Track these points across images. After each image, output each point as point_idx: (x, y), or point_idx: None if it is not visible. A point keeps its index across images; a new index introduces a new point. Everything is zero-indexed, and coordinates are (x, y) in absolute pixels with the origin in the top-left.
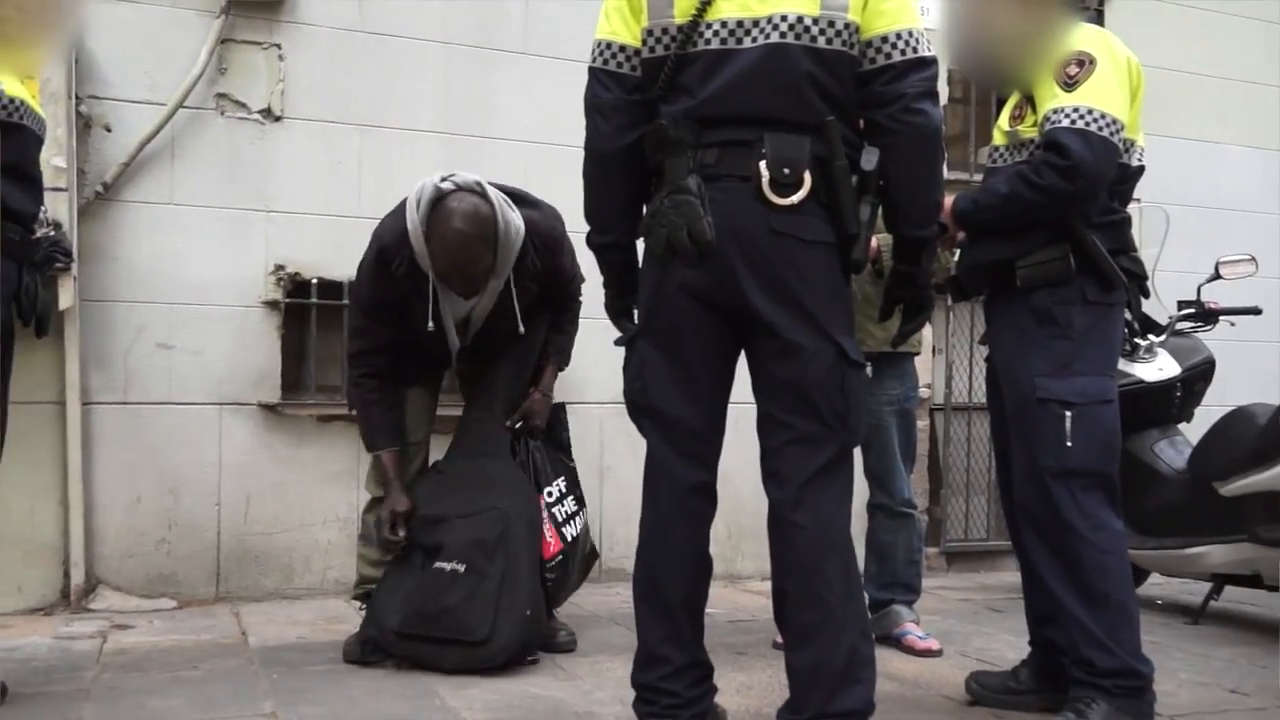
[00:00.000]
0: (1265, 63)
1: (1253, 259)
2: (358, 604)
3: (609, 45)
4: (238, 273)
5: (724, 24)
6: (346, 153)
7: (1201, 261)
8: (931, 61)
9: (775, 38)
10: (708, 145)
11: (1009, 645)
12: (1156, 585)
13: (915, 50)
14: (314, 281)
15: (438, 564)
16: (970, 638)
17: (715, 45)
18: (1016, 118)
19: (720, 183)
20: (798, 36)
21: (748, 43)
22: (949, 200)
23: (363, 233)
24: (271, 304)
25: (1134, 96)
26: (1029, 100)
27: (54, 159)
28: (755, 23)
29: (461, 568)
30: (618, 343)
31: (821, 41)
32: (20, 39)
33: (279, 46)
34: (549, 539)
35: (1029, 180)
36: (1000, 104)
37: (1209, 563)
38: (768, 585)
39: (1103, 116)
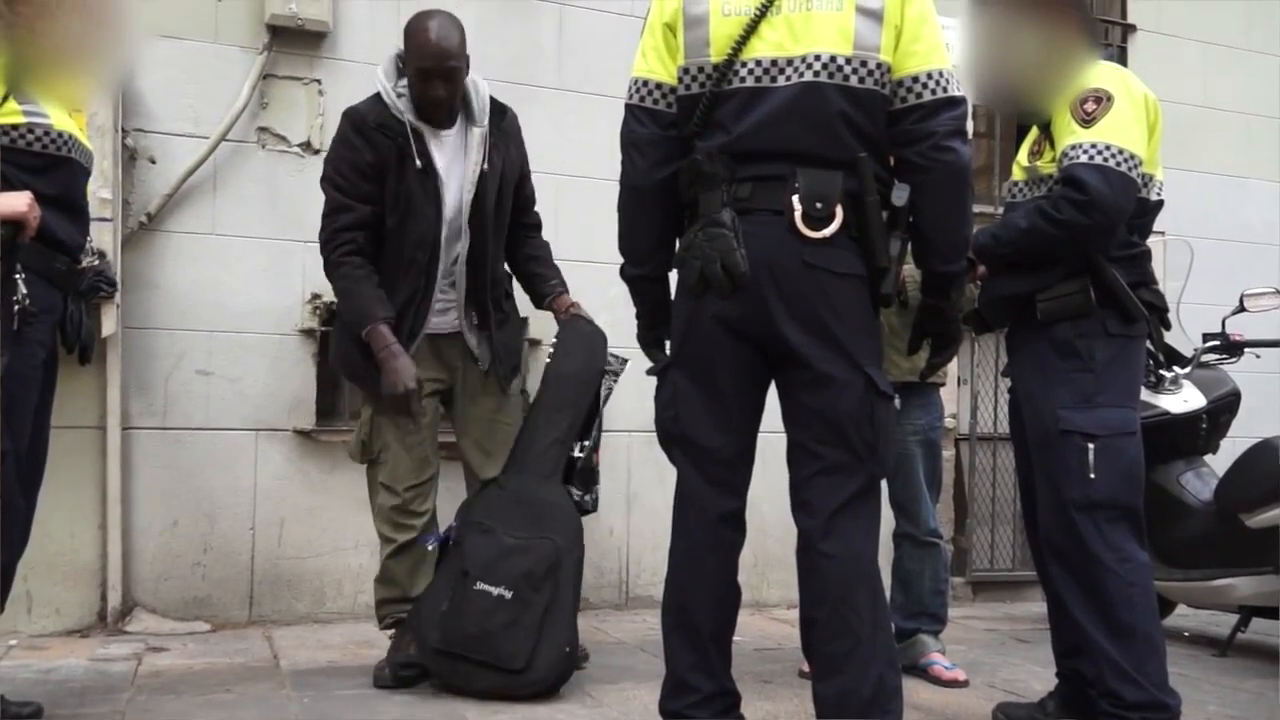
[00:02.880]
0: None
1: (1277, 291)
2: (388, 632)
3: (645, 83)
4: (275, 301)
5: (759, 63)
6: None
7: (1226, 294)
8: (961, 101)
9: (809, 76)
10: (741, 180)
11: (1036, 676)
12: (1183, 617)
13: (945, 90)
14: None
15: (484, 586)
16: (997, 668)
17: (750, 83)
18: (1035, 153)
19: (753, 216)
20: (831, 76)
21: (782, 81)
22: None
23: None
24: (307, 332)
25: (1152, 131)
26: (1047, 136)
27: (100, 190)
28: (789, 62)
29: (508, 594)
30: (649, 372)
31: (854, 80)
32: (74, 73)
33: (319, 81)
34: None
35: (1048, 215)
36: (1020, 139)
37: (1236, 595)
38: (794, 613)
39: (1120, 152)
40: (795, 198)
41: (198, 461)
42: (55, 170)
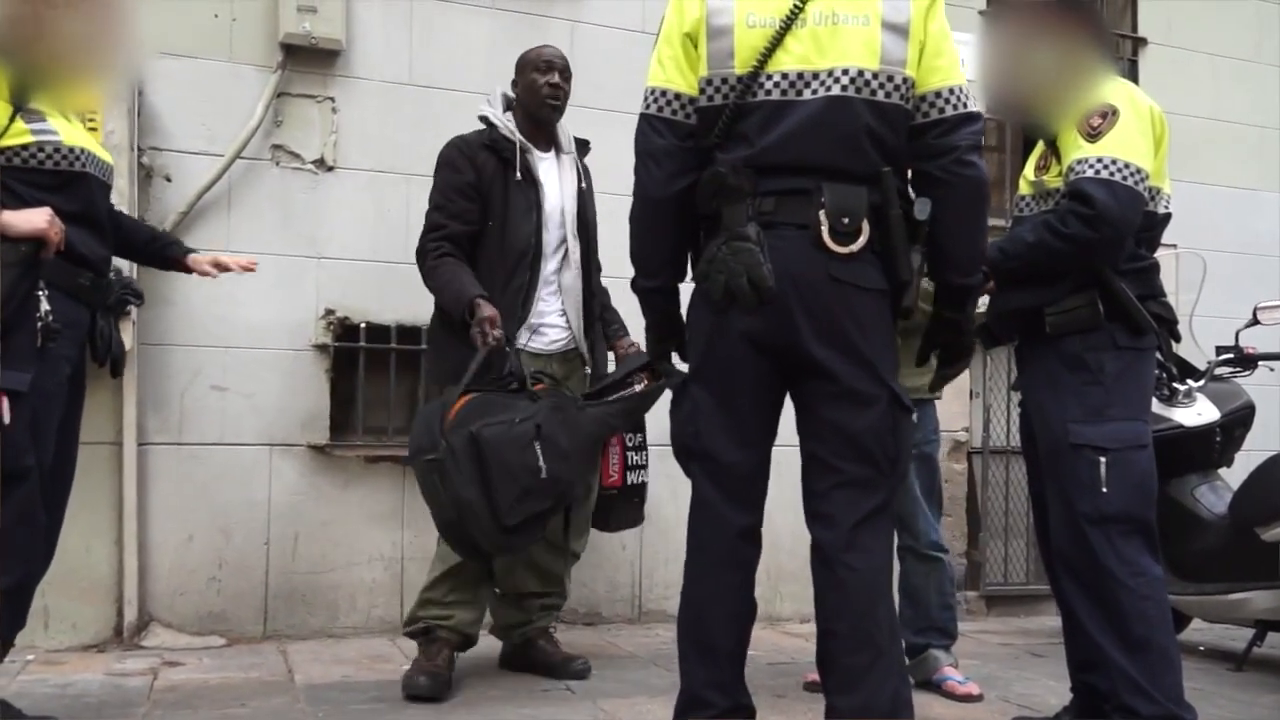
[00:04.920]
0: None
1: None
2: (416, 638)
3: (664, 93)
4: (289, 317)
5: (785, 75)
6: (395, 201)
7: (1239, 307)
8: (979, 116)
9: (836, 90)
10: (765, 193)
11: (1051, 690)
12: (1199, 631)
13: (965, 105)
14: (362, 326)
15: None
16: (1011, 683)
17: (775, 96)
18: (1042, 168)
19: (777, 230)
20: (858, 90)
21: (808, 94)
22: None
23: (410, 278)
24: (321, 347)
25: (1158, 145)
26: (1054, 151)
27: (116, 207)
28: (815, 75)
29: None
30: (668, 386)
31: (880, 95)
32: (78, 80)
33: (332, 99)
34: (614, 471)
35: (1055, 229)
36: (1026, 153)
37: (1252, 609)
38: (807, 627)
39: (1126, 166)
40: (822, 213)
41: (213, 476)
42: (72, 186)
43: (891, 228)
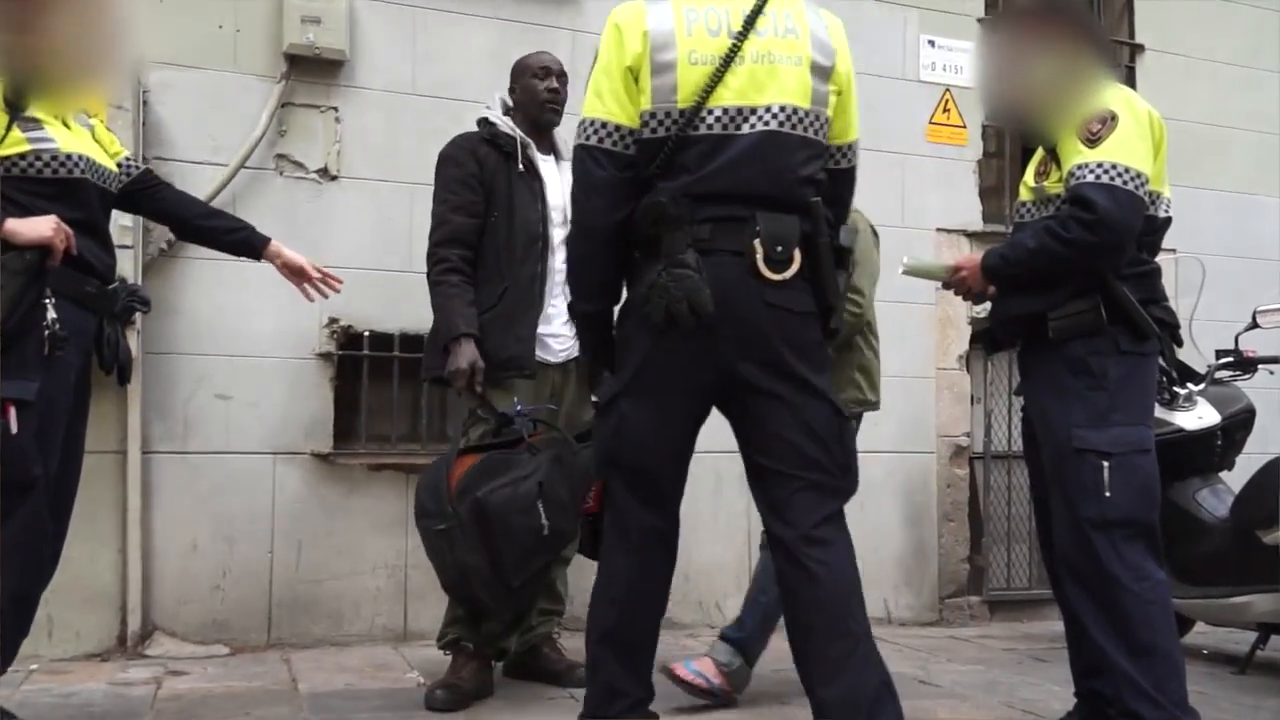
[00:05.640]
0: None
1: None
2: (444, 652)
3: (604, 125)
4: (293, 326)
5: (725, 110)
6: (398, 210)
7: (1239, 310)
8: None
9: (773, 125)
10: (702, 220)
11: (1055, 695)
12: (1202, 634)
13: (855, 160)
14: (366, 334)
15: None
16: (1015, 688)
17: (717, 130)
18: (1042, 174)
19: (714, 256)
20: (792, 126)
21: (745, 128)
22: (977, 255)
23: (413, 286)
24: (325, 356)
25: (1157, 150)
26: (1054, 157)
27: (120, 218)
28: (753, 110)
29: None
30: (597, 405)
31: (810, 132)
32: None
33: (336, 109)
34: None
35: (1056, 234)
36: (1026, 160)
37: (1254, 612)
38: None
39: (1127, 170)
40: (757, 240)
41: (217, 485)
42: (71, 194)
43: (821, 255)
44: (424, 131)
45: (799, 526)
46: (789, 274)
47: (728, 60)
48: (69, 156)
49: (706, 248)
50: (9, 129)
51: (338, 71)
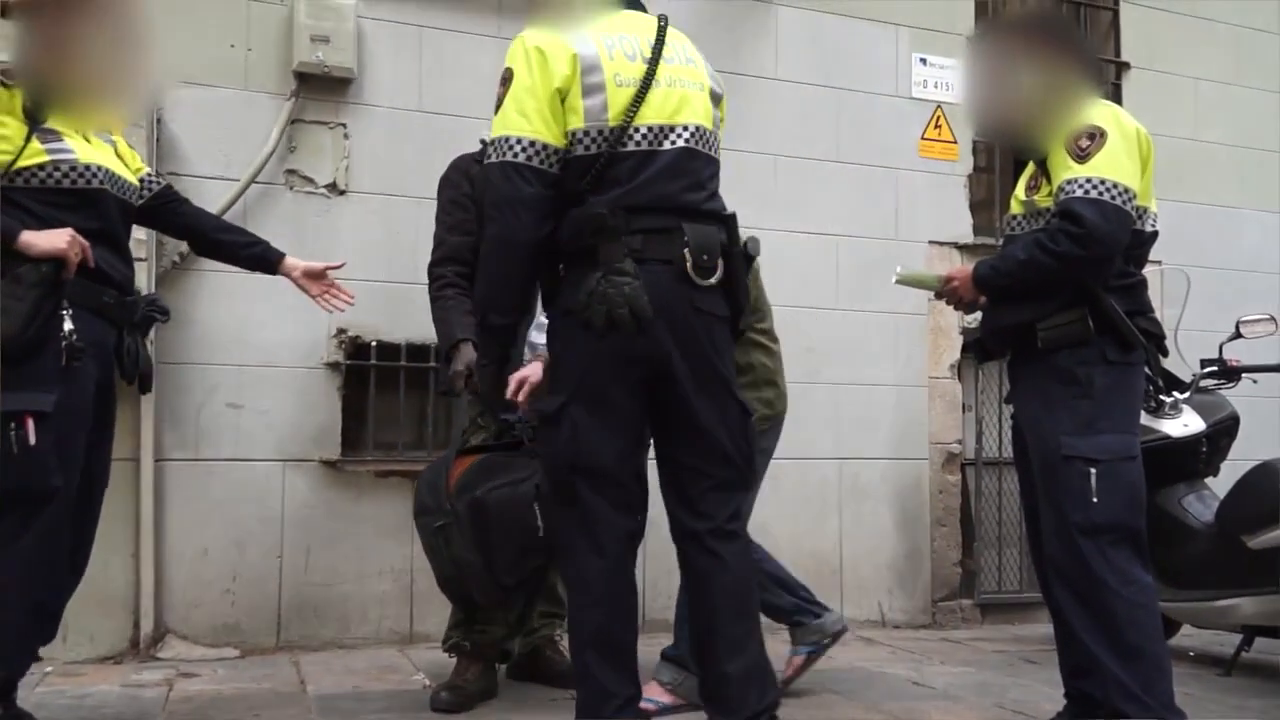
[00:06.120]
0: None
1: (1272, 318)
2: (448, 654)
3: (532, 143)
4: (302, 336)
5: (650, 128)
6: (404, 224)
7: (1222, 321)
8: None
9: (691, 143)
10: (634, 231)
11: (1045, 696)
12: (1188, 637)
13: None
14: (373, 344)
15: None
16: (1007, 689)
17: (644, 146)
18: (1032, 188)
19: (647, 265)
20: (700, 144)
21: (666, 145)
22: (969, 267)
23: (418, 298)
24: (333, 365)
25: (1144, 165)
26: (1044, 171)
27: (135, 231)
28: (671, 128)
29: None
30: (543, 414)
31: (712, 151)
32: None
33: (344, 126)
34: None
35: (1046, 247)
36: (1016, 174)
37: (1239, 614)
38: None
39: (1115, 186)
40: (686, 250)
41: (228, 491)
42: (90, 204)
43: (736, 263)
44: (429, 148)
45: (713, 519)
46: (714, 280)
47: (647, 82)
48: (87, 167)
49: (639, 257)
50: (29, 140)
51: (346, 89)
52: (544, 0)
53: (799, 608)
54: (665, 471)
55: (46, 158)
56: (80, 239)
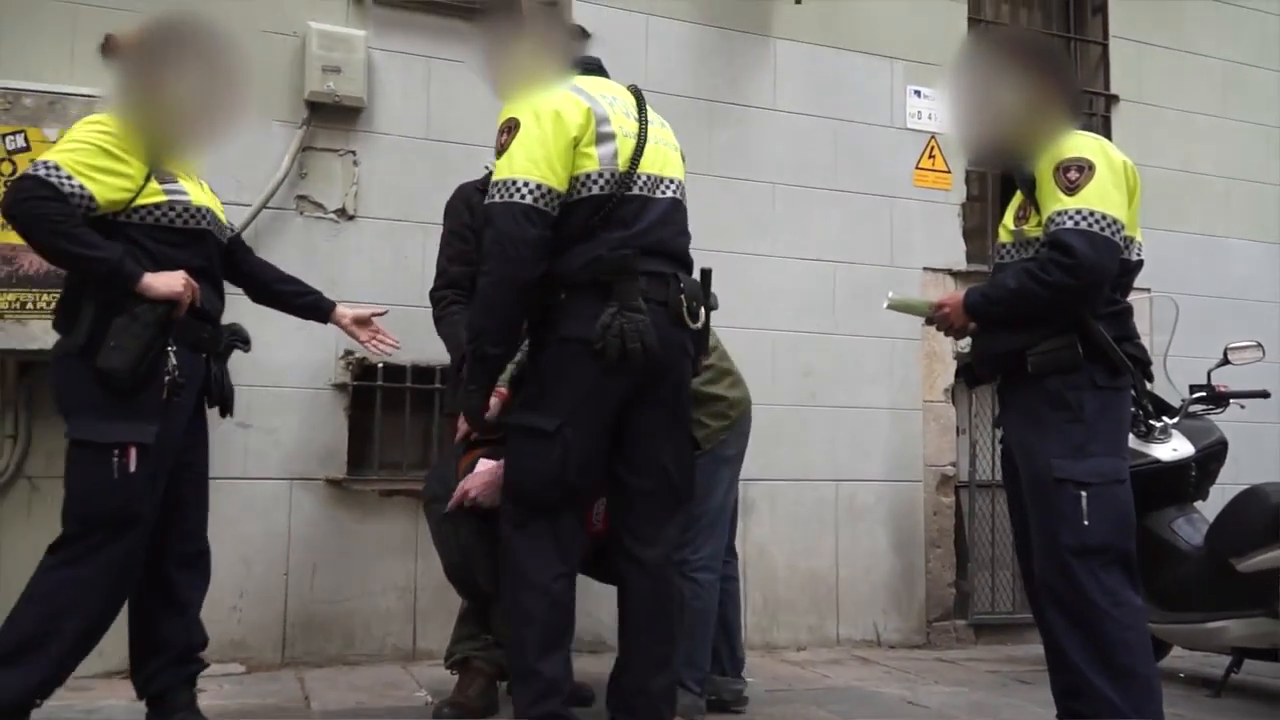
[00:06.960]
0: (1265, 162)
1: (1259, 345)
2: (450, 671)
3: (539, 187)
4: (310, 358)
5: (649, 177)
6: (412, 249)
7: (1210, 347)
8: None
9: (678, 195)
10: (641, 273)
11: (1037, 717)
12: (1179, 658)
13: None
14: (380, 366)
15: None
16: (1000, 709)
17: (645, 192)
18: (1021, 218)
19: (650, 305)
20: (682, 196)
21: (659, 194)
22: (960, 294)
23: (425, 321)
24: (340, 387)
25: (1131, 197)
26: (1032, 201)
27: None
28: (662, 179)
29: None
30: (539, 431)
31: (686, 203)
32: (194, 140)
33: (354, 153)
34: (596, 520)
35: (1037, 277)
36: (1006, 203)
37: (1229, 637)
38: (803, 655)
39: (1104, 217)
40: (682, 295)
41: (236, 509)
42: (197, 244)
43: (707, 310)
44: (437, 174)
45: (657, 545)
46: (699, 324)
47: (643, 135)
48: (199, 209)
49: (646, 297)
50: (148, 179)
51: (356, 118)
52: (511, 77)
53: (717, 656)
54: (615, 493)
55: (164, 197)
56: (193, 282)
